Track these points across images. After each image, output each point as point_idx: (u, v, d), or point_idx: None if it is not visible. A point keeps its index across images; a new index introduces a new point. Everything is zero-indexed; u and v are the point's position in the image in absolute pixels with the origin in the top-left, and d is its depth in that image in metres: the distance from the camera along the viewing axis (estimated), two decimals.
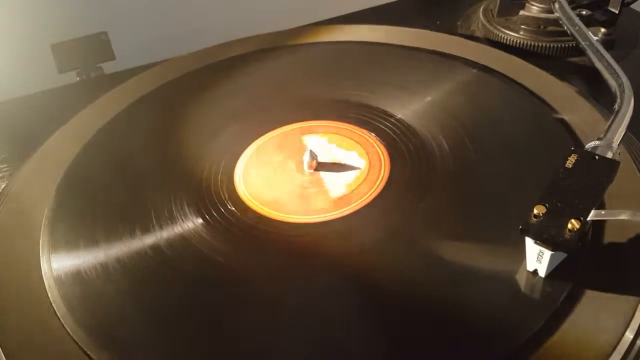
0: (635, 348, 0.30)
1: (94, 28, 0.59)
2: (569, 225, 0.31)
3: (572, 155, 0.34)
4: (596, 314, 0.31)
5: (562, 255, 0.32)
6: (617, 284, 0.32)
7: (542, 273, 0.33)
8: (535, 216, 0.32)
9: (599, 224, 0.35)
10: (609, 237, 0.35)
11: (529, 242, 0.32)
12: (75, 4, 0.67)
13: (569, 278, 0.32)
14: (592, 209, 0.32)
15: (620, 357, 0.29)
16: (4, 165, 0.48)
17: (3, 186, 0.44)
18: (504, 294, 0.33)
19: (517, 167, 0.41)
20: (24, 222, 0.40)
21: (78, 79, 0.58)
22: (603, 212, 0.32)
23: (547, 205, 0.32)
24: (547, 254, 0.32)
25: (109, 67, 0.59)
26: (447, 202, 0.39)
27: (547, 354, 0.30)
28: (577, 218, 0.31)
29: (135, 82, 0.53)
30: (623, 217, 0.32)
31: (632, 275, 0.33)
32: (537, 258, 0.32)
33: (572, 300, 0.32)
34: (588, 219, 0.31)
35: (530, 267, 0.33)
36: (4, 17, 0.65)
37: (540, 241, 0.32)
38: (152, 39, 0.68)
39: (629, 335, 0.30)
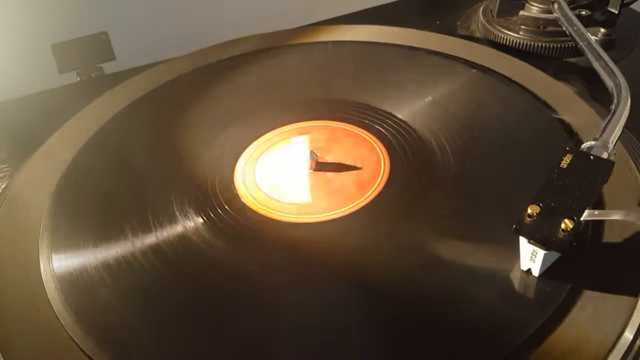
0: (635, 348, 0.30)
1: (94, 28, 0.59)
2: (563, 225, 0.31)
3: (567, 155, 0.35)
4: (595, 314, 0.31)
5: (556, 255, 0.33)
6: (616, 284, 0.32)
7: (535, 272, 0.33)
8: (529, 216, 0.32)
9: (599, 224, 0.35)
10: (608, 237, 0.35)
11: (522, 241, 0.32)
12: (75, 4, 0.67)
13: (568, 278, 0.32)
14: (585, 209, 0.32)
15: (620, 357, 0.30)
16: (4, 165, 0.48)
17: (3, 186, 0.44)
18: (504, 294, 0.33)
19: (516, 167, 0.41)
20: (24, 222, 0.40)
21: (78, 79, 0.58)
22: (597, 212, 0.32)
23: (541, 205, 0.32)
24: (541, 253, 0.32)
25: (109, 67, 0.59)
26: (446, 202, 0.39)
27: (547, 353, 0.30)
28: (570, 218, 0.31)
29: (135, 83, 0.53)
30: (616, 217, 0.32)
31: (631, 275, 0.33)
32: (531, 257, 0.32)
33: (571, 300, 0.32)
34: (581, 219, 0.32)
35: (524, 266, 0.33)
36: (4, 17, 0.65)
37: (533, 241, 0.32)
38: (152, 39, 0.68)
39: (628, 335, 0.30)
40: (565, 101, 0.45)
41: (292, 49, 0.56)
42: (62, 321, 0.33)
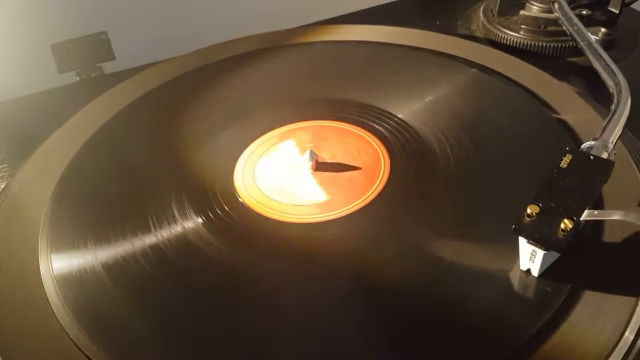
0: (635, 348, 0.30)
1: (94, 28, 0.59)
2: (562, 225, 0.31)
3: (567, 155, 0.35)
4: (596, 314, 0.31)
5: (555, 255, 0.33)
6: (616, 284, 0.32)
7: (535, 272, 0.33)
8: (528, 216, 0.32)
9: (599, 224, 0.35)
10: (608, 237, 0.35)
11: (522, 241, 0.32)
12: (75, 4, 0.67)
13: (568, 278, 0.32)
14: (585, 209, 0.32)
15: (620, 357, 0.29)
16: (4, 165, 0.48)
17: (3, 186, 0.44)
18: (504, 295, 0.33)
19: (516, 167, 0.41)
20: (24, 222, 0.40)
21: (78, 79, 0.58)
22: (596, 212, 0.32)
23: (540, 205, 0.32)
24: (540, 253, 0.32)
25: (109, 67, 0.59)
26: (446, 202, 0.39)
27: (547, 354, 0.30)
28: (570, 218, 0.31)
29: (134, 82, 0.53)
30: (615, 217, 0.32)
31: (631, 275, 0.33)
32: (530, 257, 0.32)
33: (571, 301, 0.32)
34: (581, 219, 0.31)
35: (523, 266, 0.33)
36: (4, 17, 0.65)
37: (532, 241, 0.32)
38: (152, 39, 0.68)
39: (629, 335, 0.30)
40: (566, 101, 0.45)
41: (292, 49, 0.56)
42: (61, 321, 0.33)
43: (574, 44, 0.52)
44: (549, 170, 0.34)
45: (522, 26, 0.57)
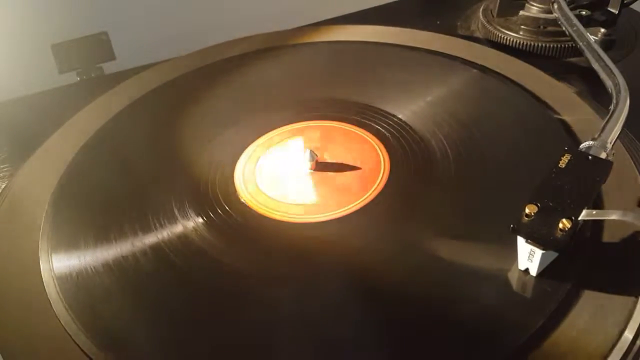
0: (635, 348, 0.30)
1: (94, 28, 0.59)
2: (560, 225, 0.31)
3: (566, 155, 0.35)
4: (595, 314, 0.31)
5: (553, 255, 0.33)
6: (616, 284, 0.32)
7: (533, 272, 0.33)
8: (526, 215, 0.32)
9: (599, 224, 0.35)
10: (607, 237, 0.35)
11: (520, 241, 0.32)
12: (75, 4, 0.67)
13: (567, 278, 0.32)
14: (583, 209, 0.32)
15: (620, 357, 0.30)
16: (4, 165, 0.48)
17: (3, 186, 0.44)
18: (504, 294, 0.33)
19: (515, 167, 0.41)
20: (24, 222, 0.40)
21: (78, 79, 0.58)
22: (594, 212, 0.32)
23: (538, 204, 0.32)
24: (538, 253, 0.32)
25: (109, 67, 0.59)
26: (446, 202, 0.39)
27: (546, 353, 0.30)
28: (568, 218, 0.31)
29: (134, 82, 0.53)
30: (614, 217, 0.32)
31: (632, 275, 0.33)
32: (529, 257, 0.32)
33: (571, 300, 0.32)
34: (579, 218, 0.32)
35: (521, 266, 0.33)
36: (4, 17, 0.65)
37: (531, 240, 0.32)
38: (152, 39, 0.68)
39: (629, 335, 0.30)
40: (565, 101, 0.46)
41: (292, 49, 0.56)
42: (61, 321, 0.33)
43: (574, 45, 0.52)
44: (547, 170, 0.34)
45: (522, 26, 0.57)
